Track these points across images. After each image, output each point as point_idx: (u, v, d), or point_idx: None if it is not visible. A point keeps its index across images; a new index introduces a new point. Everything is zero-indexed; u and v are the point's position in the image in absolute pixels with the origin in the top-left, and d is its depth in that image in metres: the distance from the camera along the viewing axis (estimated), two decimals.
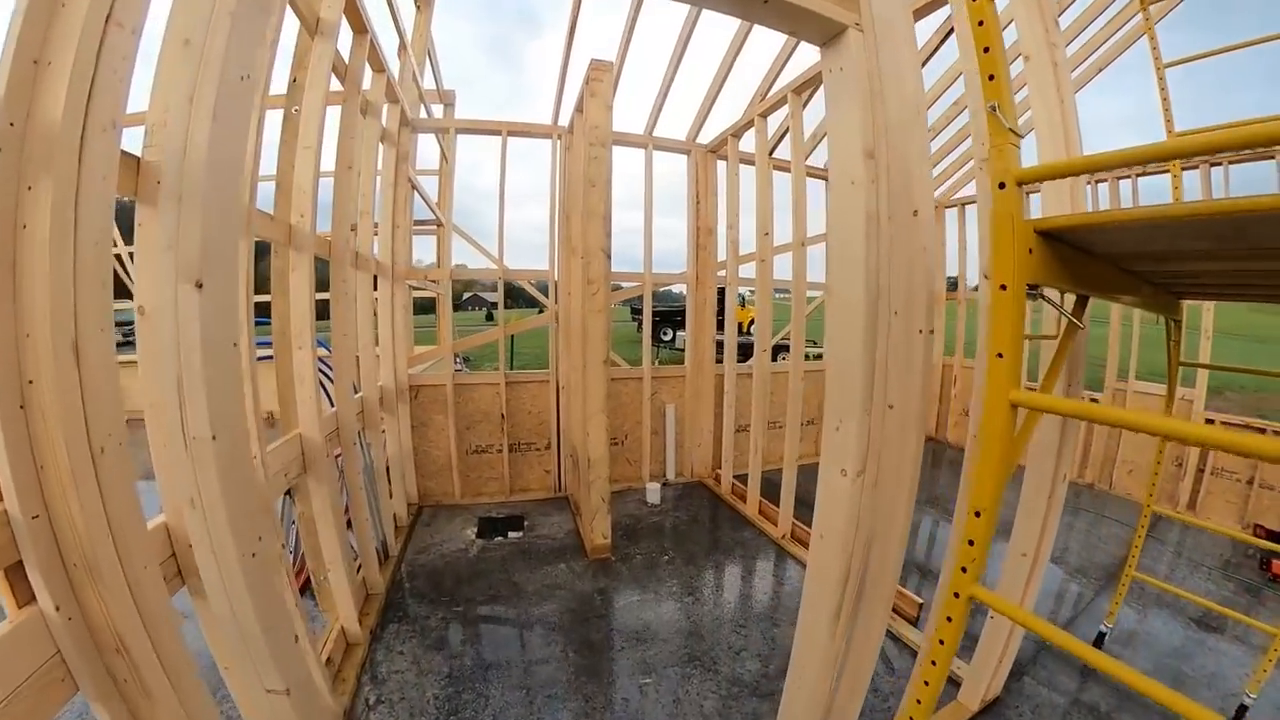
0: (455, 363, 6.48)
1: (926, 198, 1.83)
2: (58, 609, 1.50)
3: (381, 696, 3.16)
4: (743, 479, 6.10)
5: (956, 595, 1.54)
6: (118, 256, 8.21)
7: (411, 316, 6.36)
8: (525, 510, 5.89)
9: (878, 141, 1.77)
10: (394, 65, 5.04)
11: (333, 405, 3.73)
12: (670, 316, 21.70)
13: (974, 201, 7.85)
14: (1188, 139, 1.19)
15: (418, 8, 6.32)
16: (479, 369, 13.12)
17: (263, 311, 3.20)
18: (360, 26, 3.73)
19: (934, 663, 1.65)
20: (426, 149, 7.25)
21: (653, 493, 6.26)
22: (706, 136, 6.56)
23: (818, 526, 2.04)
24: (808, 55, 4.92)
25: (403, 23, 5.20)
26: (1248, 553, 5.07)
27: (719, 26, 5.36)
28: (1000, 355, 1.37)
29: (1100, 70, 5.41)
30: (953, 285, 8.86)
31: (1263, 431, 5.53)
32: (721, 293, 6.99)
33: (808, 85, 4.74)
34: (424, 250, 10.99)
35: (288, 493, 3.28)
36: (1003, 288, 1.37)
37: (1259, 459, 1.14)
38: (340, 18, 3.26)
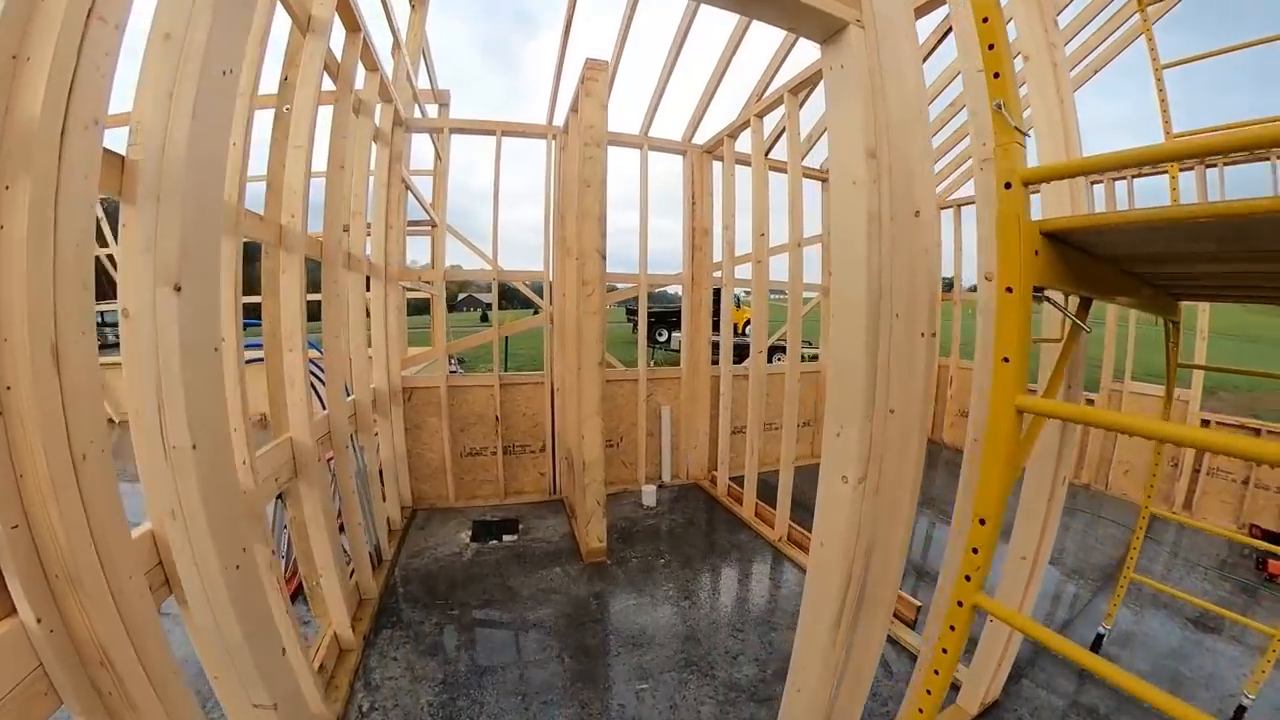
0: (450, 364, 6.43)
1: (929, 198, 1.80)
2: (39, 621, 1.45)
3: (375, 703, 3.11)
4: (739, 481, 6.06)
5: (960, 604, 1.51)
6: (111, 257, 8.12)
7: (405, 318, 6.31)
8: (520, 513, 5.84)
9: (879, 140, 1.74)
10: (388, 64, 4.99)
11: (324, 408, 3.68)
12: (665, 317, 21.66)
13: (970, 203, 7.84)
14: (1193, 140, 1.17)
15: (412, 7, 6.26)
16: (474, 371, 13.07)
17: (256, 313, 3.16)
18: (353, 25, 3.68)
19: (937, 671, 1.63)
20: (421, 149, 7.20)
21: (648, 495, 6.22)
22: (702, 137, 6.53)
23: (818, 534, 2.00)
24: (804, 56, 4.90)
25: (397, 22, 5.15)
26: (1243, 552, 5.07)
27: (715, 24, 5.33)
28: (1006, 359, 1.34)
29: (1096, 72, 5.41)
30: (947, 286, 8.87)
31: (1258, 432, 5.54)
32: (717, 294, 6.97)
33: (804, 86, 4.72)
34: (419, 251, 10.94)
35: (279, 497, 3.23)
36: (1009, 290, 1.35)
37: None
38: (332, 15, 3.21)
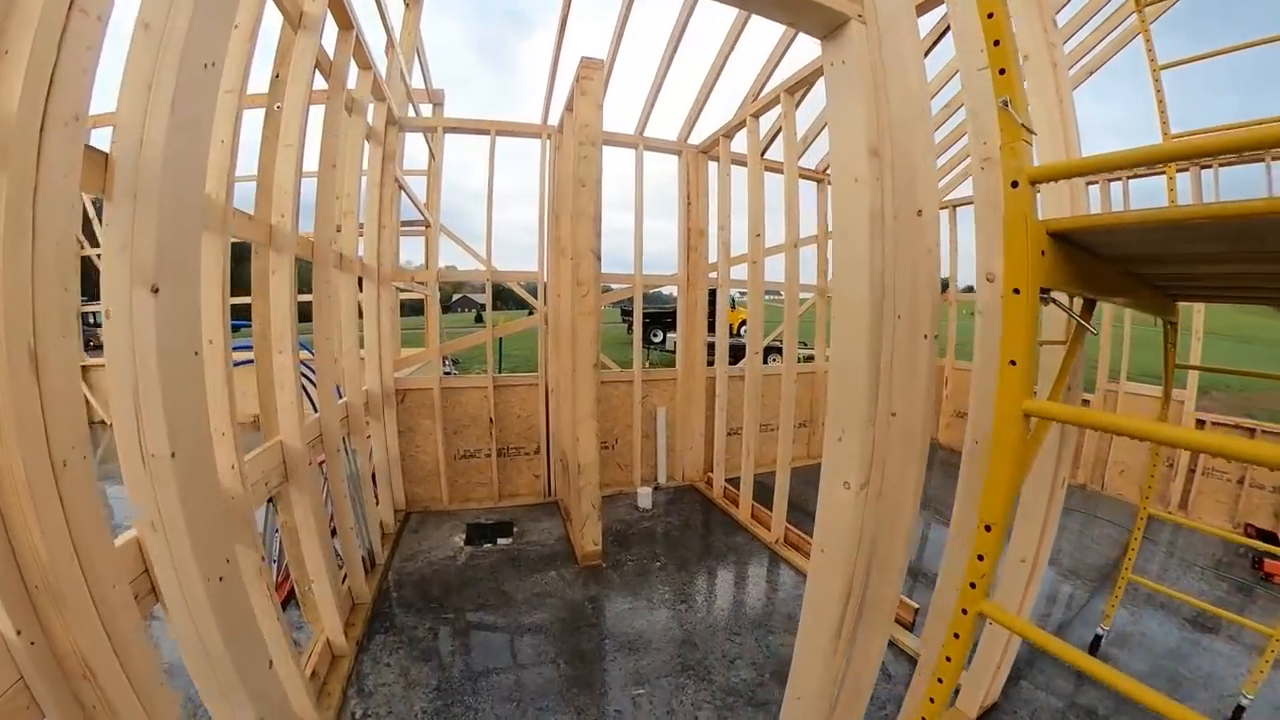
0: (444, 365, 6.38)
1: (931, 197, 1.77)
2: (19, 633, 1.40)
3: (368, 710, 3.06)
4: (735, 482, 6.03)
5: (965, 612, 1.49)
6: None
7: (398, 319, 6.25)
8: (514, 516, 5.80)
9: (882, 138, 1.71)
10: (381, 63, 4.94)
11: (316, 410, 3.63)
12: (660, 318, 21.61)
13: (966, 203, 7.85)
14: (1202, 139, 1.15)
15: (406, 5, 6.21)
16: (468, 372, 13.00)
17: (247, 314, 3.11)
18: (346, 22, 3.64)
19: (941, 679, 1.60)
20: (416, 149, 7.15)
21: (644, 497, 6.18)
22: (698, 137, 6.50)
23: (819, 540, 1.97)
24: (800, 56, 4.88)
25: (390, 20, 5.10)
26: (1239, 552, 5.09)
27: (711, 23, 5.29)
28: (1013, 363, 1.31)
29: (1091, 74, 5.42)
30: (943, 287, 8.87)
31: (1253, 432, 5.56)
32: (712, 294, 6.94)
33: (801, 85, 4.70)
34: (413, 252, 10.88)
35: (270, 501, 3.18)
36: (1016, 291, 1.32)
37: None
38: (325, 12, 3.17)
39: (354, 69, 4.08)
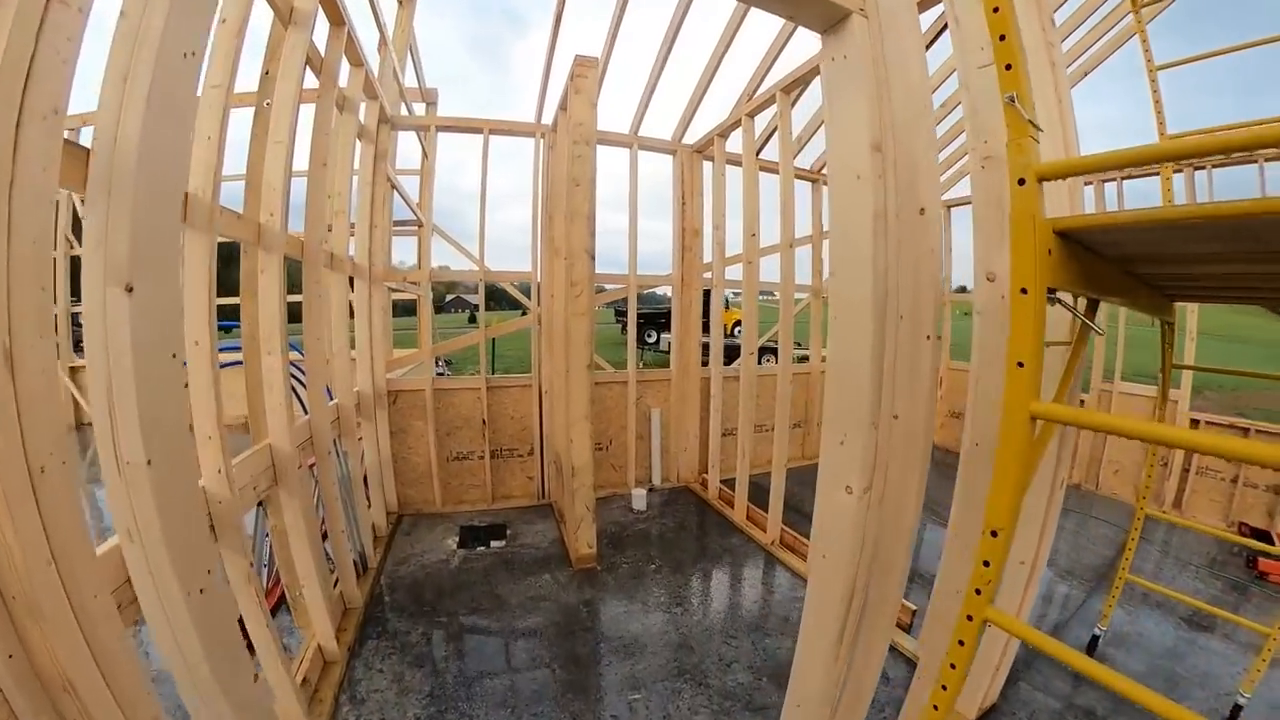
0: (437, 366, 6.32)
1: (934, 195, 1.75)
2: None
3: (361, 717, 3.01)
4: (730, 483, 6.01)
5: (970, 618, 1.45)
6: None
7: (390, 319, 6.19)
8: (508, 518, 5.74)
9: (884, 134, 1.68)
10: (374, 61, 4.89)
11: (306, 412, 3.57)
12: (654, 319, 21.59)
13: (961, 203, 7.85)
14: (1211, 137, 1.12)
15: (399, 2, 6.15)
16: (461, 373, 12.93)
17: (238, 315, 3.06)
18: (337, 18, 3.59)
19: (945, 687, 1.57)
20: (409, 148, 7.08)
21: (638, 499, 6.14)
22: (692, 137, 6.47)
23: (819, 546, 1.93)
24: (795, 56, 4.86)
25: (383, 17, 5.04)
26: (1233, 550, 5.11)
27: (707, 20, 5.26)
28: (1021, 364, 1.29)
29: (1086, 74, 5.42)
30: None
31: (1246, 431, 5.58)
32: (706, 295, 6.91)
33: (796, 85, 4.67)
34: (406, 252, 10.80)
35: (260, 504, 3.13)
36: (1024, 291, 1.29)
37: None
38: (316, 8, 3.12)
39: (346, 66, 4.02)
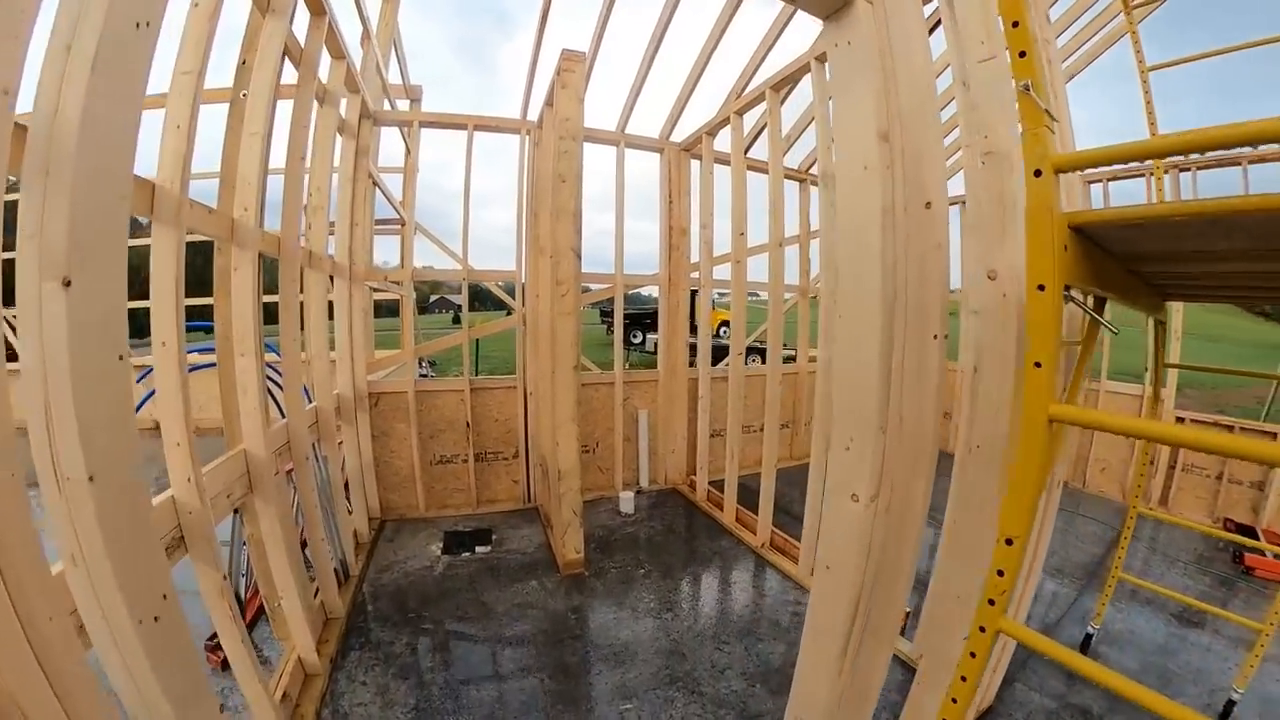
0: (421, 367, 6.18)
1: (940, 188, 1.69)
2: None
3: None
4: (718, 485, 5.95)
5: (983, 630, 1.39)
6: None
7: (372, 320, 6.05)
8: (493, 523, 5.63)
9: (891, 123, 1.61)
10: (356, 55, 4.76)
11: (283, 416, 3.44)
12: (639, 319, 21.51)
13: (955, 202, 7.85)
14: (1245, 126, 1.07)
15: None
16: (445, 374, 12.75)
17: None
18: (318, 8, 3.47)
19: (955, 700, 1.51)
20: (393, 148, 6.91)
21: (626, 502, 6.06)
22: (680, 135, 6.40)
23: (823, 556, 1.86)
24: (784, 53, 4.81)
25: (366, 10, 4.92)
26: (1219, 546, 5.16)
27: (696, 16, 5.20)
28: (1038, 364, 1.22)
29: (1072, 77, 5.44)
30: None
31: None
32: (693, 295, 6.84)
33: (786, 82, 4.62)
34: (389, 251, 10.61)
35: (237, 511, 3.00)
36: (1040, 288, 1.23)
37: None
38: None
39: (326, 58, 3.90)
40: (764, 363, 5.71)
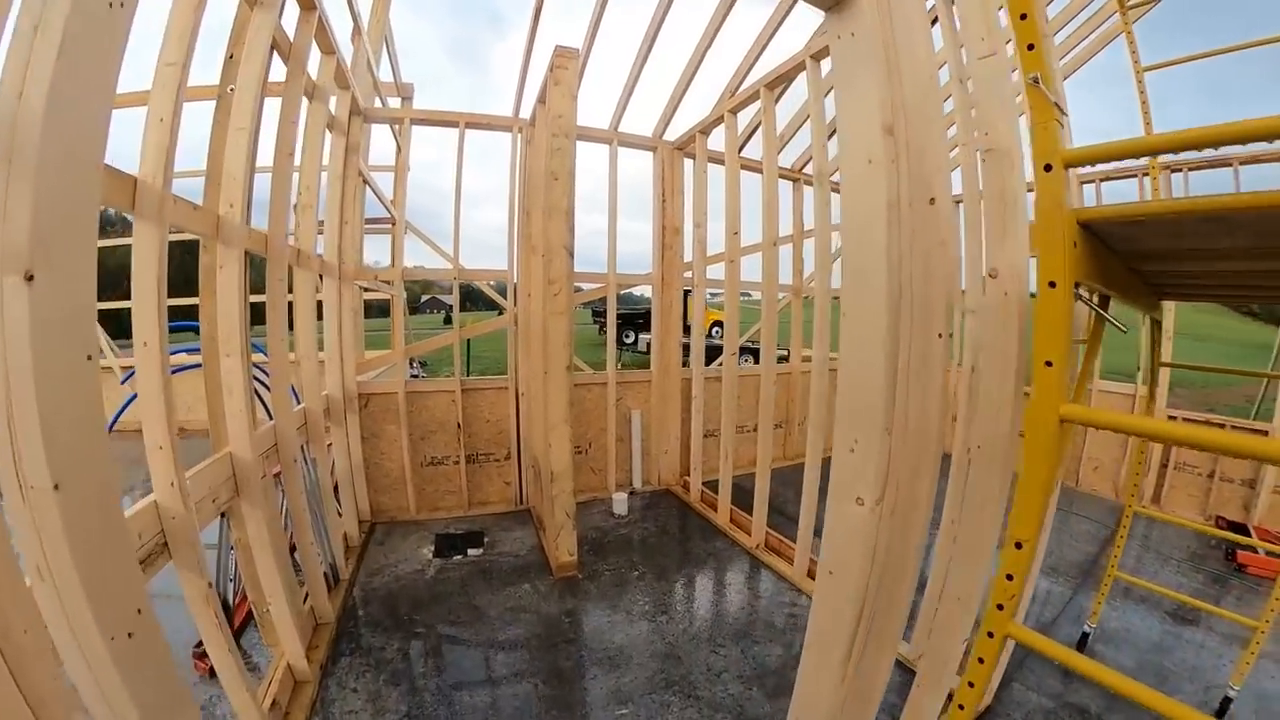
0: (412, 368, 6.10)
1: (943, 184, 1.65)
2: None
3: None
4: (712, 485, 5.91)
5: (991, 635, 1.37)
6: None
7: (362, 320, 5.96)
8: (485, 525, 5.57)
9: (896, 116, 1.58)
10: (347, 51, 4.69)
11: (271, 418, 3.38)
12: (631, 319, 21.49)
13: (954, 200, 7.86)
14: (1248, 124, 1.05)
15: None
16: (437, 375, 12.66)
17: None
18: (308, 2, 3.41)
19: (962, 707, 1.48)
20: (385, 146, 6.84)
21: (619, 503, 6.02)
22: (674, 133, 6.36)
23: (826, 562, 1.82)
24: (781, 52, 4.77)
25: (358, 6, 4.85)
26: (1211, 544, 5.20)
27: (690, 14, 5.17)
28: (1049, 363, 1.19)
29: (1066, 78, 5.45)
30: None
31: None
32: (685, 295, 6.81)
33: (780, 81, 4.59)
34: (380, 252, 10.50)
35: (223, 515, 2.93)
36: (1052, 285, 1.20)
37: None
38: None
39: (316, 53, 3.83)
40: (756, 363, 5.68)
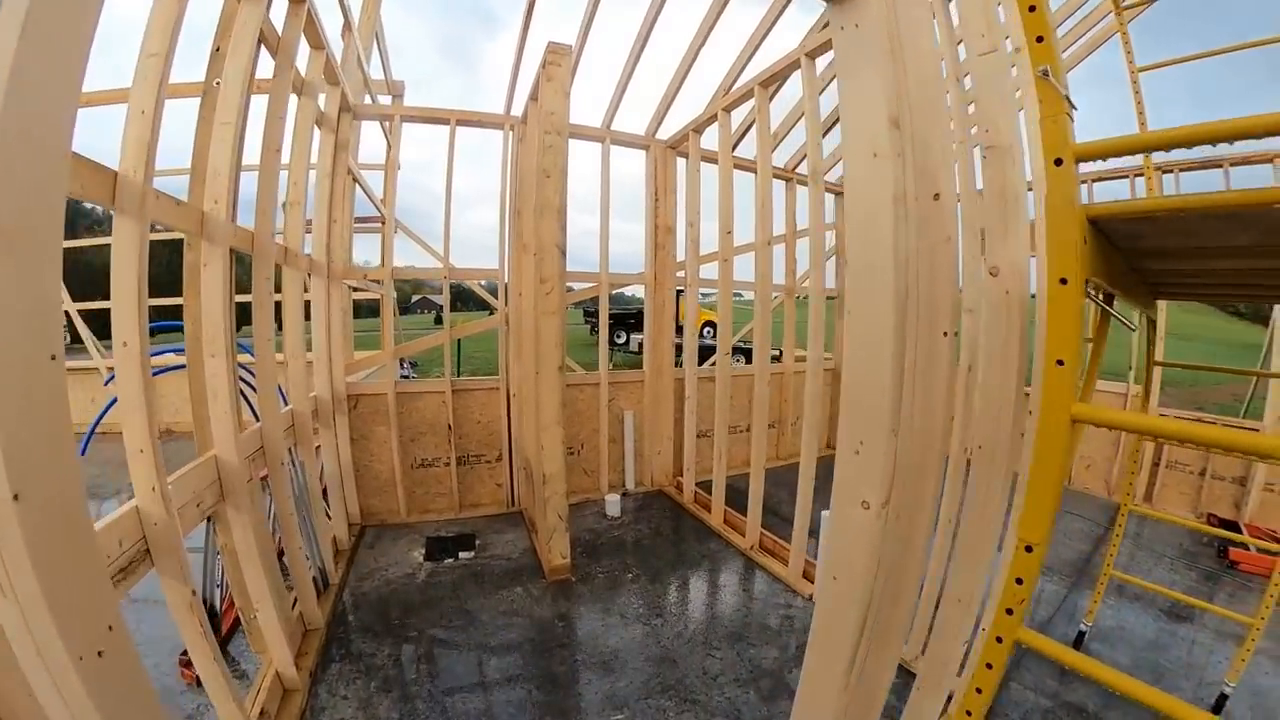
0: (402, 368, 6.03)
1: (948, 179, 1.62)
2: None
3: None
4: (705, 486, 5.88)
5: (1000, 640, 1.34)
6: None
7: (351, 320, 5.89)
8: (476, 528, 5.51)
9: (901, 108, 1.55)
10: (337, 47, 4.62)
11: (257, 420, 3.30)
12: (623, 319, 21.40)
13: None
14: (1261, 119, 1.02)
15: None
16: (427, 375, 12.56)
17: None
18: None
19: (969, 713, 1.45)
20: (375, 144, 6.75)
21: (612, 505, 5.97)
22: (667, 132, 6.32)
23: (829, 567, 1.78)
24: (775, 49, 4.75)
25: (348, 1, 4.78)
26: (1203, 541, 5.22)
27: (684, 12, 5.14)
28: (1060, 362, 1.16)
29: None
30: None
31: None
32: (678, 295, 6.77)
33: (775, 79, 4.57)
34: (370, 251, 10.41)
35: (209, 520, 2.86)
36: (1063, 282, 1.17)
37: None
38: None
39: (305, 48, 3.77)
40: (749, 363, 5.65)
